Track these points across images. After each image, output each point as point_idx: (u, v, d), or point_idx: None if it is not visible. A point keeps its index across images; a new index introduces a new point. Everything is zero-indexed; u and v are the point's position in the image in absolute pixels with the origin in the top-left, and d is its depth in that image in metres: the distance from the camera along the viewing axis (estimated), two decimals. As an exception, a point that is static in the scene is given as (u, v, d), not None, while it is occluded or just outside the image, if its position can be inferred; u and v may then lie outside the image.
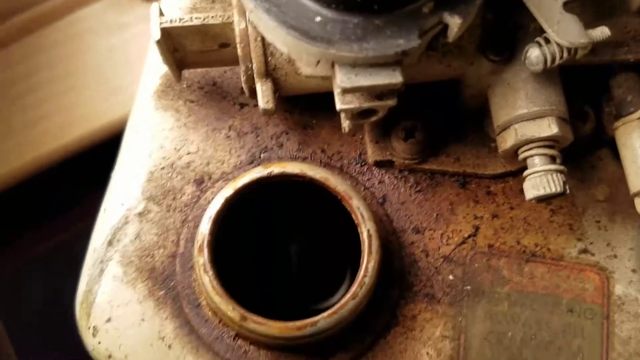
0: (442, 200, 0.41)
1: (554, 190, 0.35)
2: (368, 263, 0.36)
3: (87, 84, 0.81)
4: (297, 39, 0.29)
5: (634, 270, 0.40)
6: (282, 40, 0.30)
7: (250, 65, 0.36)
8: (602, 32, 0.33)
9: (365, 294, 0.36)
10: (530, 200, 0.36)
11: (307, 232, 0.43)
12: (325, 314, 0.35)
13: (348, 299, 0.36)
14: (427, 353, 0.39)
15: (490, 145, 0.41)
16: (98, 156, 0.82)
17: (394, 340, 0.39)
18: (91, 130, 0.79)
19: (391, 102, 0.32)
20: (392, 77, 0.30)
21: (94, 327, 0.38)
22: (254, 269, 0.42)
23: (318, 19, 0.29)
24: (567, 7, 0.33)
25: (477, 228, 0.41)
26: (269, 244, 0.42)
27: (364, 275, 0.36)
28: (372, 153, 0.41)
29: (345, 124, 0.36)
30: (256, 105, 0.43)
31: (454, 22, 0.29)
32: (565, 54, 0.33)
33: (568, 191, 0.36)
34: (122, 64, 0.82)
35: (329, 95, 0.41)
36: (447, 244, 0.41)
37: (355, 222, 0.37)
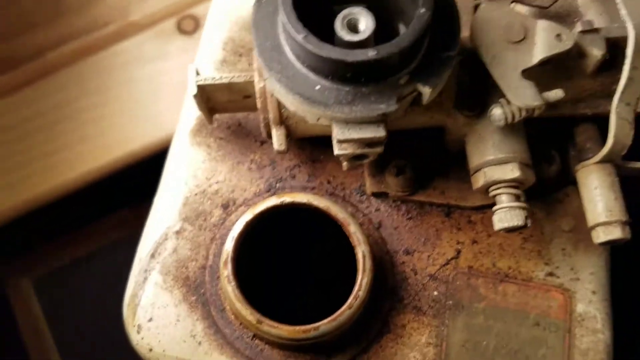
0: (429, 227, 0.48)
1: (517, 223, 0.42)
2: (362, 279, 0.44)
3: (119, 111, 0.89)
4: (301, 102, 0.37)
5: (593, 292, 0.46)
6: (290, 102, 0.38)
7: (267, 115, 0.44)
8: (556, 94, 0.40)
9: (359, 305, 0.44)
10: (499, 230, 0.43)
11: (317, 247, 0.51)
12: (325, 320, 0.43)
13: (345, 309, 0.43)
14: (414, 357, 0.46)
15: (470, 181, 0.48)
16: (131, 177, 0.90)
17: (385, 345, 0.46)
18: (120, 155, 0.87)
19: (379, 150, 0.40)
20: (377, 132, 0.37)
21: (138, 325, 0.47)
22: (272, 278, 0.49)
23: (317, 87, 0.37)
24: (525, 74, 0.40)
25: (459, 251, 0.48)
26: (284, 257, 0.50)
27: (358, 290, 0.44)
28: (369, 185, 0.48)
29: (344, 164, 0.43)
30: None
31: (426, 91, 0.37)
32: (523, 113, 0.40)
33: (530, 224, 0.42)
34: (155, 93, 0.89)
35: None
36: (433, 265, 0.48)
37: (352, 244, 0.45)
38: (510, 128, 0.42)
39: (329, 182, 0.50)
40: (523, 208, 0.42)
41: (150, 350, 0.46)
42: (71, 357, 1.01)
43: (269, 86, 0.39)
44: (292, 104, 0.38)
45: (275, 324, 0.43)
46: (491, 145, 0.42)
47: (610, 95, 0.41)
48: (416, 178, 0.47)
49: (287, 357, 0.46)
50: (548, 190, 0.47)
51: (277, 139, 0.44)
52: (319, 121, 0.41)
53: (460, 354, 0.46)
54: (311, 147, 0.51)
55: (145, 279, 0.48)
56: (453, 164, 0.48)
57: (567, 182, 0.47)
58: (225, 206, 0.50)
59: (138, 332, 0.47)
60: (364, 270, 0.44)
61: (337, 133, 0.38)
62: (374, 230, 0.48)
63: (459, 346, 0.46)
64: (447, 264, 0.48)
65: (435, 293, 0.47)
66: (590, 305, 0.46)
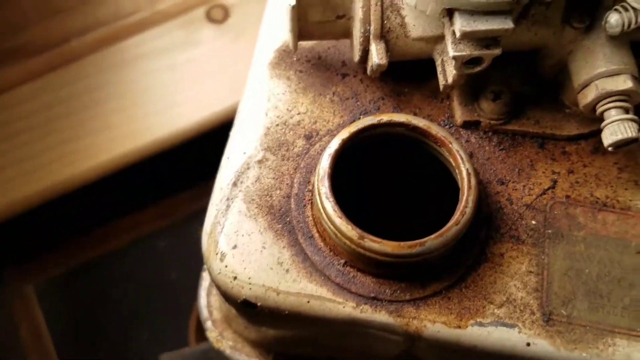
0: (522, 158, 0.47)
1: (629, 135, 0.41)
2: (468, 196, 0.42)
3: (139, 102, 0.87)
4: (429, -13, 0.36)
5: (694, 219, 0.45)
6: (413, -8, 0.37)
7: (368, 27, 0.43)
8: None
9: (465, 221, 0.41)
10: (609, 146, 0.42)
11: (402, 176, 0.49)
12: (432, 236, 0.41)
13: (452, 224, 0.41)
14: (515, 285, 0.43)
15: (565, 111, 0.47)
16: (139, 173, 0.88)
17: (484, 274, 0.44)
18: (129, 150, 0.84)
19: (497, 51, 0.39)
20: (504, 23, 0.36)
21: (221, 253, 0.43)
22: (356, 204, 0.47)
23: (447, -29, 0.36)
24: (641, -22, 0.39)
25: (555, 182, 0.46)
26: (370, 185, 0.48)
27: (465, 206, 0.42)
28: (460, 114, 0.47)
29: (451, 75, 0.42)
30: (356, 75, 0.50)
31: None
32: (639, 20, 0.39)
33: (641, 138, 0.42)
34: (177, 83, 0.88)
35: (421, 67, 0.47)
36: (529, 195, 0.46)
37: (455, 163, 0.43)
38: (619, 41, 0.42)
39: (414, 115, 0.49)
40: (635, 121, 0.41)
41: (235, 278, 0.43)
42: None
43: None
44: (416, -7, 0.37)
45: (378, 239, 0.40)
46: (602, 57, 0.42)
47: None
48: (511, 105, 0.46)
49: (380, 285, 0.43)
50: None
51: (377, 52, 0.43)
52: (428, 28, 0.40)
53: (563, 282, 0.43)
54: (394, 80, 0.49)
55: (228, 207, 0.45)
56: (546, 93, 0.47)
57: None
58: (308, 137, 0.48)
59: (221, 260, 0.43)
60: (469, 187, 0.42)
61: (462, 24, 0.37)
62: (465, 159, 0.47)
63: (561, 274, 0.44)
64: (543, 193, 0.46)
65: (533, 222, 0.45)
66: (691, 233, 0.45)
